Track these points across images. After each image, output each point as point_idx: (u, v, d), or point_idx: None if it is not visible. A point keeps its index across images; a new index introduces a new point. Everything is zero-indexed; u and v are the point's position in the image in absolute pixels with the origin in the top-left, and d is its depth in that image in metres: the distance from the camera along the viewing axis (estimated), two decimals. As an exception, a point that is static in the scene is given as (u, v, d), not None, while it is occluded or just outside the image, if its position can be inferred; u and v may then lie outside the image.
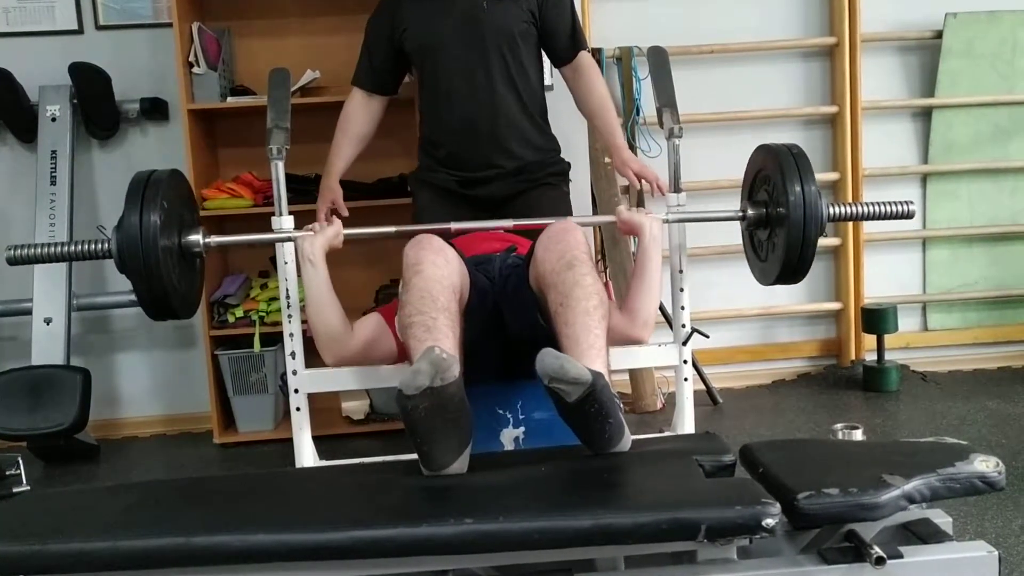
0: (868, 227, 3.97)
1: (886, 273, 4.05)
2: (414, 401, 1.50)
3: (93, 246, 2.20)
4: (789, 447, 1.73)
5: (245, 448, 3.59)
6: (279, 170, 2.56)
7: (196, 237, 2.32)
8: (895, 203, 2.39)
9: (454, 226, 2.51)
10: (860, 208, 2.43)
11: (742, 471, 1.67)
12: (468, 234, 2.55)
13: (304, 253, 2.28)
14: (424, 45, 2.79)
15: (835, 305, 4.03)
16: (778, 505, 1.39)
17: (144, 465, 3.52)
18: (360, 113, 2.90)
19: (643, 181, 2.82)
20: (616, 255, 3.70)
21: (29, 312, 3.48)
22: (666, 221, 2.44)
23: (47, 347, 3.45)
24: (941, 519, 1.64)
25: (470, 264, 2.16)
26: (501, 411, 2.02)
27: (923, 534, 1.59)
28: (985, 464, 1.53)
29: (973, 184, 4.01)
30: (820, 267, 4.07)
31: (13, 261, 2.21)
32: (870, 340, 3.91)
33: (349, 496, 1.52)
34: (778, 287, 3.92)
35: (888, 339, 3.85)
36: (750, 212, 2.42)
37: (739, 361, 4.04)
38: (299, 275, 2.37)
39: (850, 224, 3.94)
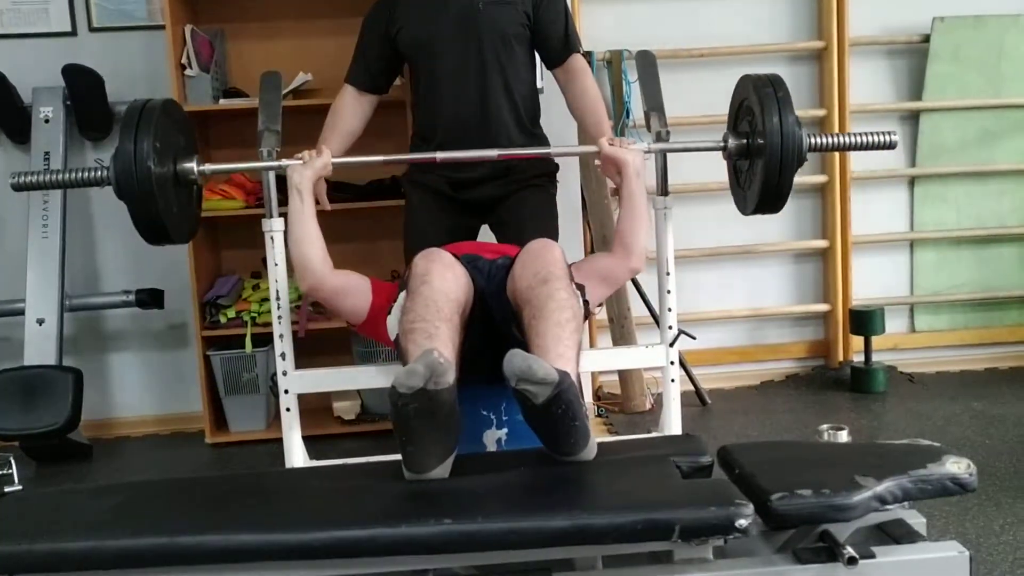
0: (857, 230, 4.01)
1: (874, 275, 4.09)
2: (405, 399, 1.52)
3: (92, 173, 2.32)
4: (765, 448, 1.76)
5: (237, 448, 3.61)
6: (270, 173, 2.59)
7: (191, 164, 2.39)
8: (876, 133, 2.46)
9: (439, 156, 2.60)
10: (841, 138, 2.51)
11: (720, 472, 1.70)
12: (461, 242, 2.60)
13: (293, 182, 2.34)
14: (418, 44, 2.81)
15: (823, 307, 4.06)
16: (751, 506, 1.42)
17: (136, 465, 3.54)
18: (350, 110, 2.91)
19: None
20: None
21: (22, 312, 3.49)
22: (648, 152, 2.51)
23: (40, 347, 3.46)
24: (915, 519, 1.67)
25: (463, 262, 2.19)
26: (485, 412, 2.04)
27: (897, 534, 1.62)
28: (957, 466, 1.56)
29: (960, 187, 4.05)
30: (809, 269, 4.10)
31: (17, 187, 2.36)
32: (858, 342, 3.94)
33: (332, 497, 1.55)
34: (768, 288, 4.05)
35: (876, 340, 3.88)
36: (732, 142, 2.49)
37: (728, 362, 4.07)
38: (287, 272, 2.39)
39: (839, 226, 3.97)
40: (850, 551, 1.48)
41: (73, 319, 3.74)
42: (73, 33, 3.71)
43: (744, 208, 2.60)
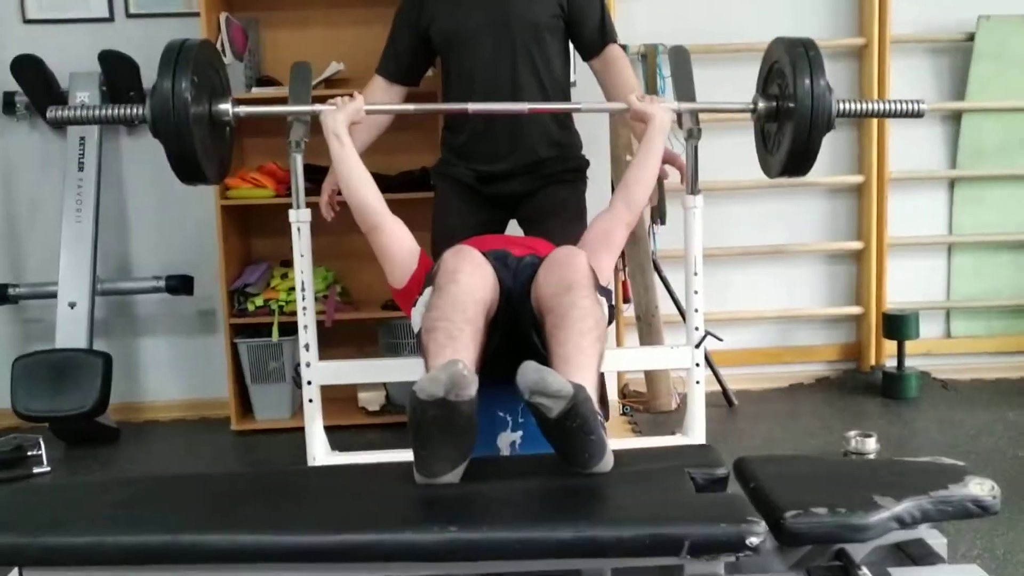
0: (894, 232, 3.93)
1: (910, 279, 4.01)
2: (424, 406, 1.50)
3: (129, 110, 2.35)
4: (783, 462, 1.72)
5: (262, 436, 3.63)
6: (298, 163, 2.59)
7: (226, 106, 2.43)
8: (905, 101, 2.47)
9: (471, 107, 2.58)
10: (870, 105, 2.51)
11: (736, 485, 1.67)
12: (488, 235, 2.57)
13: (328, 128, 2.34)
14: (450, 35, 2.79)
15: (856, 309, 3.99)
16: (763, 524, 1.39)
17: (162, 450, 3.58)
18: (379, 100, 2.90)
19: (667, 168, 2.83)
20: (636, 254, 3.68)
21: (54, 296, 3.53)
22: (677, 112, 2.53)
23: (71, 331, 3.50)
24: (936, 540, 1.62)
25: (491, 258, 2.17)
26: (502, 414, 2.01)
27: (916, 555, 1.58)
28: (980, 487, 1.52)
29: (1002, 190, 3.95)
30: (842, 271, 4.04)
31: (53, 122, 2.40)
32: (891, 346, 3.87)
33: (339, 499, 1.54)
34: (800, 289, 3.98)
35: (910, 345, 3.81)
36: (761, 105, 2.51)
37: (757, 363, 4.02)
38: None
39: (874, 228, 3.90)
40: (866, 571, 1.45)
41: (104, 303, 3.77)
42: (111, 19, 3.74)
43: (770, 171, 2.61)
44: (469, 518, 1.41)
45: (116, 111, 2.39)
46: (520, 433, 1.97)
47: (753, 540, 1.37)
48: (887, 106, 2.54)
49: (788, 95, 2.39)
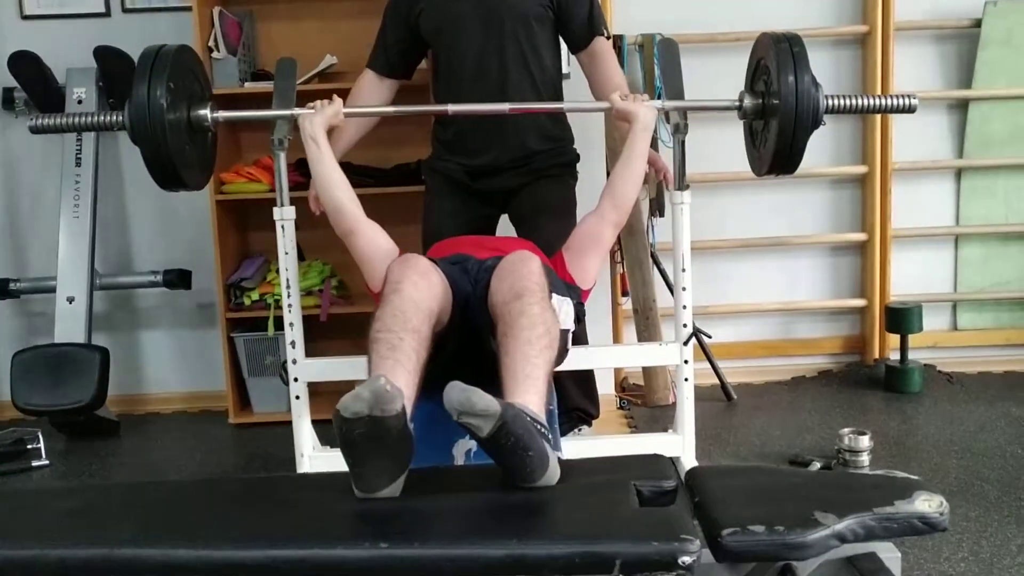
0: (899, 223, 3.86)
1: (916, 270, 3.94)
2: (349, 424, 1.49)
3: (109, 117, 2.40)
4: (731, 474, 1.69)
5: (259, 429, 3.65)
6: (282, 160, 2.59)
7: (204, 111, 2.46)
8: (896, 96, 2.47)
9: (451, 108, 2.63)
10: (858, 100, 2.48)
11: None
12: (464, 237, 2.57)
13: (305, 131, 2.41)
14: (440, 27, 2.79)
15: (859, 302, 3.93)
16: (697, 542, 1.37)
17: (160, 443, 3.61)
18: (369, 94, 2.90)
19: (654, 171, 2.82)
20: (632, 247, 3.65)
21: (53, 290, 3.57)
22: (661, 109, 2.55)
23: (69, 325, 3.54)
24: (889, 554, 1.59)
25: (449, 263, 2.16)
26: (460, 421, 2.01)
27: (866, 570, 1.54)
28: (928, 504, 1.47)
29: (1010, 180, 3.86)
30: (845, 263, 3.97)
31: (35, 129, 2.44)
32: (895, 339, 3.80)
33: (276, 512, 1.53)
34: (803, 281, 3.93)
35: (916, 338, 3.74)
36: (747, 102, 2.51)
37: (759, 356, 3.97)
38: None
39: (877, 219, 3.82)
40: (807, 589, 1.42)
41: (104, 297, 3.81)
42: (107, 14, 3.75)
43: (758, 169, 2.60)
44: (403, 534, 1.40)
45: (96, 119, 2.43)
46: (475, 442, 1.96)
47: (685, 559, 1.34)
48: (877, 101, 2.50)
49: (773, 91, 2.35)
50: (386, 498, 1.53)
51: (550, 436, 1.60)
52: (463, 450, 1.94)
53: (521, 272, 1.88)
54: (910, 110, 2.47)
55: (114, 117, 2.39)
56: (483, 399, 1.48)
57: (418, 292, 1.85)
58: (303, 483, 1.81)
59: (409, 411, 1.60)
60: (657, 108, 2.54)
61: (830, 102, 2.41)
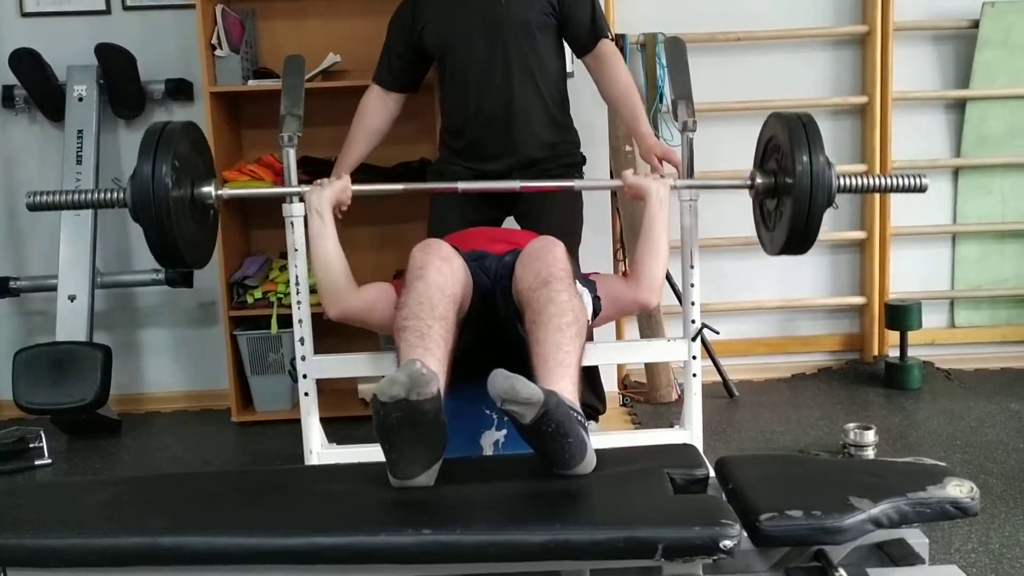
0: (896, 221, 3.90)
1: (914, 268, 3.98)
2: (387, 409, 1.50)
3: (109, 195, 2.28)
4: (764, 462, 1.71)
5: (262, 427, 3.64)
6: (291, 158, 2.58)
7: (209, 189, 2.36)
8: (907, 176, 2.39)
9: (461, 186, 2.58)
10: (870, 180, 2.42)
11: (717, 485, 1.66)
12: (473, 229, 2.57)
13: (312, 205, 2.31)
14: (443, 39, 2.79)
15: (859, 299, 3.96)
16: (737, 526, 1.38)
17: (163, 442, 3.59)
18: (376, 109, 2.90)
19: (667, 165, 2.80)
20: (635, 245, 3.66)
21: (55, 288, 3.55)
22: (673, 187, 2.43)
23: (71, 324, 3.52)
24: (917, 540, 1.61)
25: (468, 260, 2.16)
26: (488, 411, 2.02)
27: (896, 556, 1.57)
28: (959, 489, 1.50)
29: (1006, 179, 3.91)
30: (845, 260, 4.01)
31: (32, 207, 2.32)
32: (894, 336, 3.84)
33: (316, 501, 1.54)
34: (802, 279, 3.96)
35: (914, 335, 3.79)
36: (759, 180, 2.42)
37: (759, 353, 4.00)
38: (308, 239, 2.37)
39: (876, 218, 3.87)
40: (842, 573, 1.44)
41: (105, 295, 3.79)
42: (107, 11, 3.73)
43: (770, 249, 2.50)
44: (443, 521, 1.41)
45: (97, 196, 2.30)
46: (504, 432, 1.97)
47: (727, 543, 1.36)
48: (889, 180, 2.43)
49: (787, 170, 2.29)
50: (422, 487, 1.54)
51: (586, 424, 1.61)
52: (491, 440, 1.96)
53: (547, 259, 1.89)
54: (921, 189, 2.40)
55: (115, 195, 2.27)
56: (527, 387, 1.49)
57: (442, 277, 1.86)
58: (336, 473, 1.80)
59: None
60: (670, 185, 2.43)
61: (842, 181, 2.34)
